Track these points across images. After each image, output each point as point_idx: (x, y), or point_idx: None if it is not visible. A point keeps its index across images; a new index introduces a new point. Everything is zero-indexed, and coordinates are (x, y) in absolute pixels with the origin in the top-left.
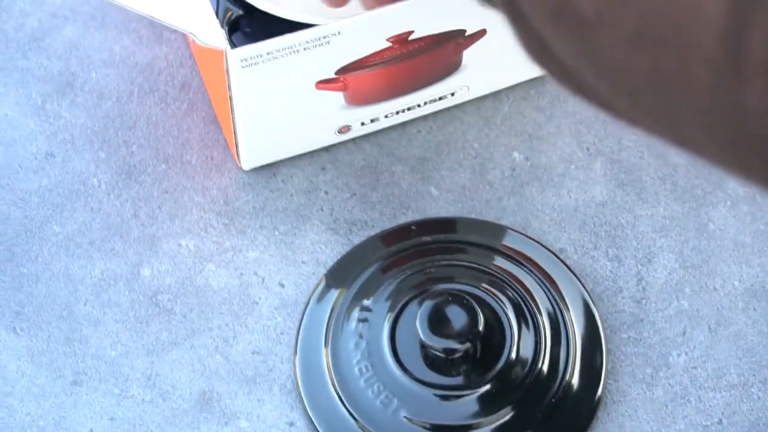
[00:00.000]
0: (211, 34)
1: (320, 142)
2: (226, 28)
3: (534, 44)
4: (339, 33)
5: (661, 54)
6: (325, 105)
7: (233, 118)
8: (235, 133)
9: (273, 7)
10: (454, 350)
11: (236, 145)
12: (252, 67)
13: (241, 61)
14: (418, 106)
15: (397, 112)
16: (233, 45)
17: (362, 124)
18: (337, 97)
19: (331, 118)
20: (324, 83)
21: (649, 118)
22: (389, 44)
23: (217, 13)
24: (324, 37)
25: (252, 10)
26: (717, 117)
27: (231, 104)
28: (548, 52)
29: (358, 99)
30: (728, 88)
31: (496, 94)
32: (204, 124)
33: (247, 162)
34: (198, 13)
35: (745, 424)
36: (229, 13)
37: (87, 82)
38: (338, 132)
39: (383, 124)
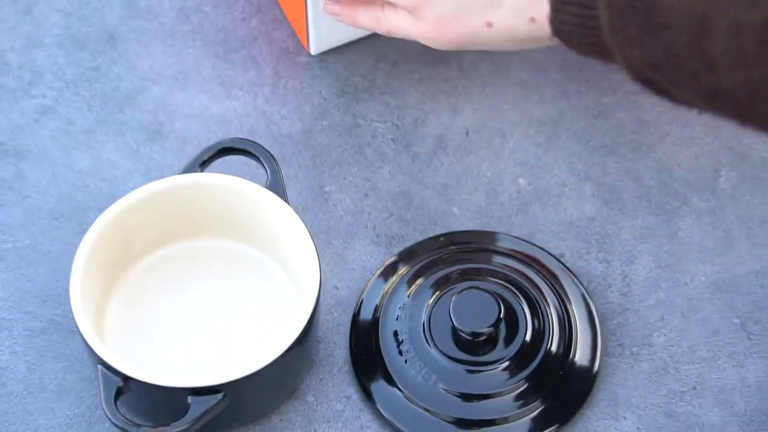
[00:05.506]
0: None
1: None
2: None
3: (653, 90)
4: None
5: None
6: None
7: (306, 4)
8: (306, 17)
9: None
10: (480, 333)
11: (307, 30)
12: None
13: None
14: None
15: None
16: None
17: None
18: None
19: None
20: None
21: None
22: None
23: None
24: None
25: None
26: None
27: None
28: (665, 94)
29: None
30: None
31: (503, 133)
32: None
33: (316, 46)
34: None
35: (714, 390)
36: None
37: (173, 131)
38: None
39: None
